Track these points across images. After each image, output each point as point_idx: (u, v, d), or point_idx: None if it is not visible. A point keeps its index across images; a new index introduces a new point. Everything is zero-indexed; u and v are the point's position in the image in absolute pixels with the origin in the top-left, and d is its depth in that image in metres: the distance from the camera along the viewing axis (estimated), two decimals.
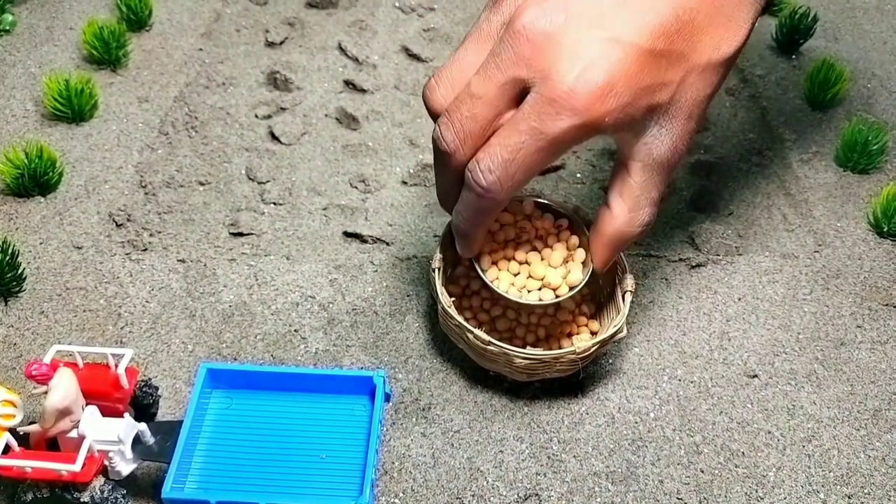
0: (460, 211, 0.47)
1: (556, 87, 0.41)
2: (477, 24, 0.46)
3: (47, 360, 0.46)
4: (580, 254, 0.52)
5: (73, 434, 0.46)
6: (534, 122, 0.41)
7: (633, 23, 0.41)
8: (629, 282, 0.54)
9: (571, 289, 0.51)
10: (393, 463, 0.51)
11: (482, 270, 0.52)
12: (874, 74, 0.81)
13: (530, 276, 0.52)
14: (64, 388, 0.44)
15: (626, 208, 0.47)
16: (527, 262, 0.53)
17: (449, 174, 0.46)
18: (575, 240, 0.53)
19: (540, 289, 0.52)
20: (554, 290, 0.51)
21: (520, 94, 0.43)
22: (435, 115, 0.47)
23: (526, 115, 0.42)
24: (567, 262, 0.53)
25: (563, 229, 0.54)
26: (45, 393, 0.44)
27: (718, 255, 0.64)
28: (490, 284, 0.51)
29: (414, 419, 0.53)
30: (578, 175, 0.71)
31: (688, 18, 0.42)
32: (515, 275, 0.52)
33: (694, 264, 0.64)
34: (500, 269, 0.53)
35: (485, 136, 0.44)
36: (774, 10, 0.88)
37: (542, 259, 0.53)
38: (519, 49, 0.42)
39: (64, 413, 0.45)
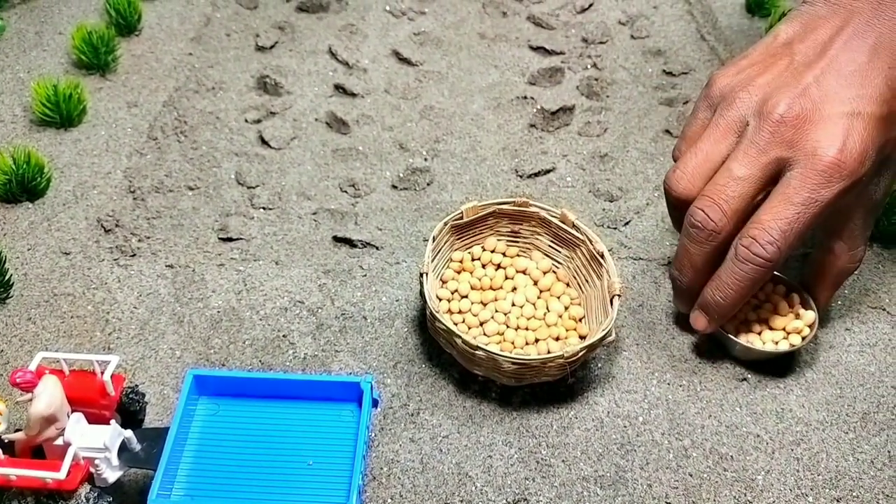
0: (726, 286, 0.52)
1: (825, 160, 0.48)
2: (715, 121, 0.53)
3: (32, 367, 0.46)
4: (795, 298, 0.58)
5: (59, 441, 0.46)
6: (807, 192, 0.49)
7: (862, 97, 0.49)
8: (617, 286, 0.54)
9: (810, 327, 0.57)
10: (381, 468, 0.51)
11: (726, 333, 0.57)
12: None
13: (772, 329, 0.57)
14: (49, 396, 0.44)
15: (847, 248, 0.55)
16: (763, 320, 0.58)
17: (709, 252, 0.53)
18: (781, 287, 0.59)
19: (786, 337, 0.57)
20: (798, 333, 0.57)
21: (777, 173, 0.50)
22: (679, 202, 0.54)
23: (798, 188, 0.49)
24: (793, 307, 0.58)
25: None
26: (31, 400, 0.44)
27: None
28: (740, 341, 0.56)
29: (402, 424, 0.53)
30: (568, 179, 0.71)
31: (893, 85, 0.50)
32: (759, 333, 0.57)
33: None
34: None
35: (747, 214, 0.51)
36: (764, 12, 0.89)
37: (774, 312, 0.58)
38: (780, 133, 0.50)
39: (49, 420, 0.45)
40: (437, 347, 0.57)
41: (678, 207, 0.54)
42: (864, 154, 0.49)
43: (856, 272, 0.63)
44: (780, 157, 0.50)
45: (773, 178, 0.51)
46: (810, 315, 0.57)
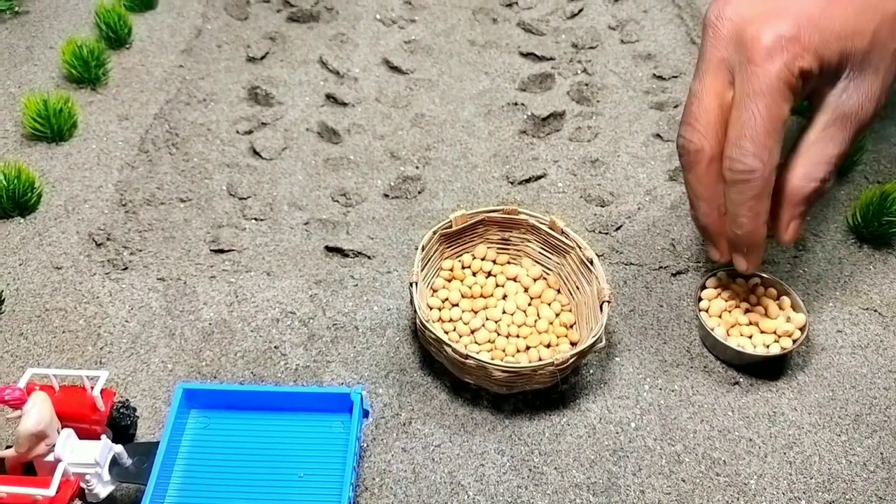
0: (738, 214, 0.50)
1: (755, 49, 0.46)
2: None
3: (22, 383, 0.46)
4: (786, 301, 0.58)
5: (50, 458, 0.46)
6: (748, 88, 0.46)
7: (808, 2, 0.46)
8: (607, 292, 0.54)
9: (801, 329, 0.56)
10: (374, 479, 0.51)
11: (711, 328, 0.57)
12: None
13: (763, 332, 0.57)
14: (38, 413, 0.44)
15: (799, 162, 0.50)
16: (755, 323, 0.58)
17: (704, 176, 0.51)
18: (772, 290, 0.59)
19: (777, 340, 0.57)
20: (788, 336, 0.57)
21: (731, 76, 0.48)
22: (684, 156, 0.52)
23: (741, 88, 0.47)
24: (784, 310, 0.58)
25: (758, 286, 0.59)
26: (20, 417, 0.44)
27: (699, 262, 0.64)
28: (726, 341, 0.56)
29: (394, 434, 0.53)
30: (560, 184, 0.71)
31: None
32: (750, 337, 0.57)
33: (675, 272, 0.64)
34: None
35: (722, 125, 0.49)
36: None
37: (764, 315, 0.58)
38: (718, 34, 0.48)
39: (39, 437, 0.45)
40: (428, 356, 0.57)
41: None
42: (796, 28, 0.46)
43: (845, 274, 0.63)
44: (723, 57, 0.48)
45: (730, 81, 0.49)
46: (801, 318, 0.57)
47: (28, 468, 0.47)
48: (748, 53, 0.47)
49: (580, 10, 0.91)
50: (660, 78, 0.82)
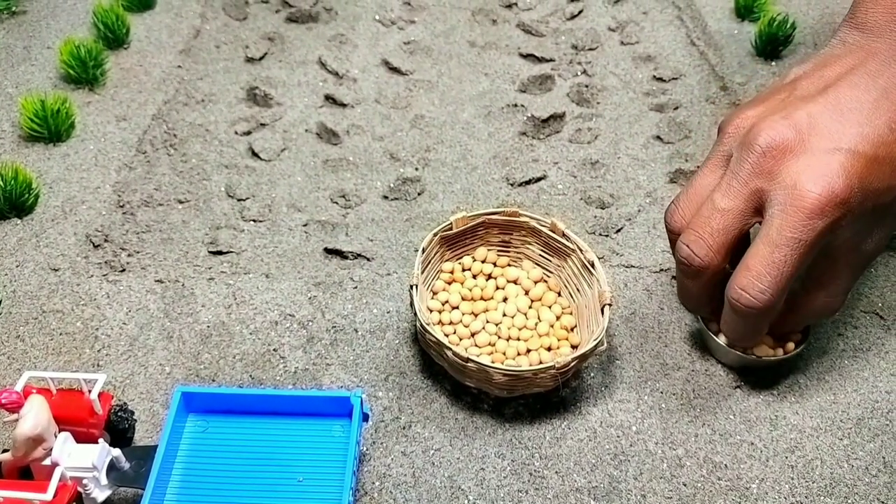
0: (735, 330, 0.51)
1: (807, 197, 0.45)
2: (709, 156, 0.52)
3: (19, 387, 0.45)
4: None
5: (47, 462, 0.45)
6: (789, 233, 0.46)
7: (857, 135, 0.47)
8: (608, 295, 0.54)
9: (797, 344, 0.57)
10: (373, 483, 0.50)
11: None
12: None
13: (766, 336, 0.56)
14: (35, 416, 0.44)
15: (824, 294, 0.52)
16: None
17: (703, 285, 0.52)
18: None
19: (781, 345, 0.57)
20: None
21: (761, 205, 0.48)
22: (675, 234, 0.52)
23: (781, 228, 0.46)
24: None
25: None
26: (17, 421, 0.44)
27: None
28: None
29: (394, 438, 0.53)
30: (560, 186, 0.71)
31: None
32: None
33: (675, 275, 0.63)
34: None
35: (734, 246, 0.50)
36: (753, 17, 0.89)
37: None
38: (759, 163, 0.47)
39: (36, 441, 0.44)
40: (428, 359, 0.57)
41: (674, 241, 0.53)
42: (848, 191, 0.45)
43: None
44: (761, 188, 0.48)
45: (757, 210, 0.49)
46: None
47: (25, 472, 0.46)
48: (794, 199, 0.46)
49: (580, 12, 0.91)
50: (660, 80, 0.82)
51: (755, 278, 0.47)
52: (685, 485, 0.51)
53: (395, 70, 0.83)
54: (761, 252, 0.47)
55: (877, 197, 0.47)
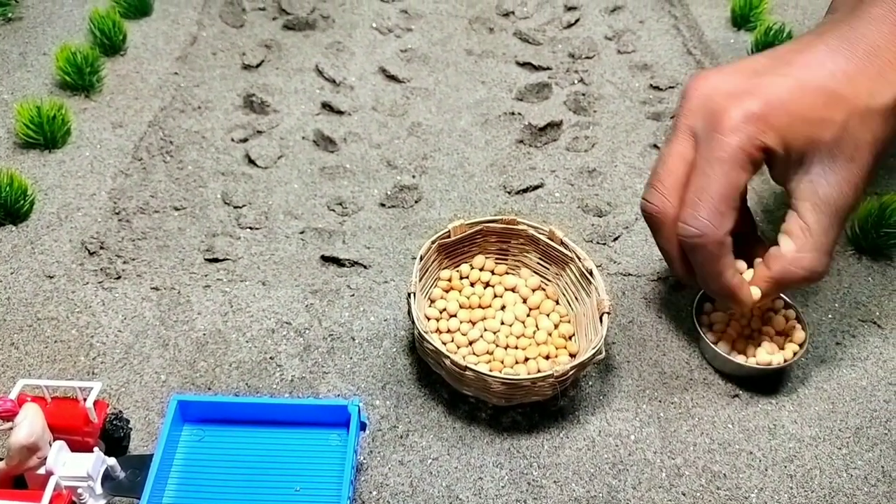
0: (701, 276, 0.51)
1: (723, 120, 0.48)
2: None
3: (13, 395, 0.45)
4: (786, 313, 0.58)
5: (41, 471, 0.45)
6: (709, 154, 0.48)
7: (790, 67, 0.49)
8: (606, 303, 0.54)
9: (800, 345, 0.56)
10: (371, 492, 0.50)
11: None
12: None
13: (763, 345, 0.56)
14: (29, 425, 0.43)
15: (793, 248, 0.51)
16: (755, 336, 0.57)
17: (669, 238, 0.52)
18: (779, 302, 0.58)
19: (780, 351, 0.56)
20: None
21: (697, 144, 0.50)
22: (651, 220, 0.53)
23: (703, 154, 0.49)
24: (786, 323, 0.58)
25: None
26: (11, 429, 0.43)
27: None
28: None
29: (392, 447, 0.52)
30: (557, 194, 0.71)
31: (846, 69, 0.49)
32: (749, 349, 0.56)
33: (673, 283, 0.63)
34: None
35: (684, 188, 0.50)
36: (749, 26, 0.89)
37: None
38: (689, 105, 0.50)
39: (31, 450, 0.44)
40: (426, 368, 0.56)
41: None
42: (766, 108, 0.48)
43: (844, 285, 0.63)
44: (691, 125, 0.50)
45: (695, 148, 0.50)
46: (801, 330, 0.56)
47: (19, 481, 0.46)
48: (715, 124, 0.49)
49: (577, 21, 0.91)
50: (656, 88, 0.82)
51: (692, 207, 0.49)
52: (684, 494, 0.51)
53: (393, 78, 0.83)
54: (693, 182, 0.49)
55: (809, 125, 0.48)
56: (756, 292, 0.52)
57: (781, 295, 0.58)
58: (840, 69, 0.49)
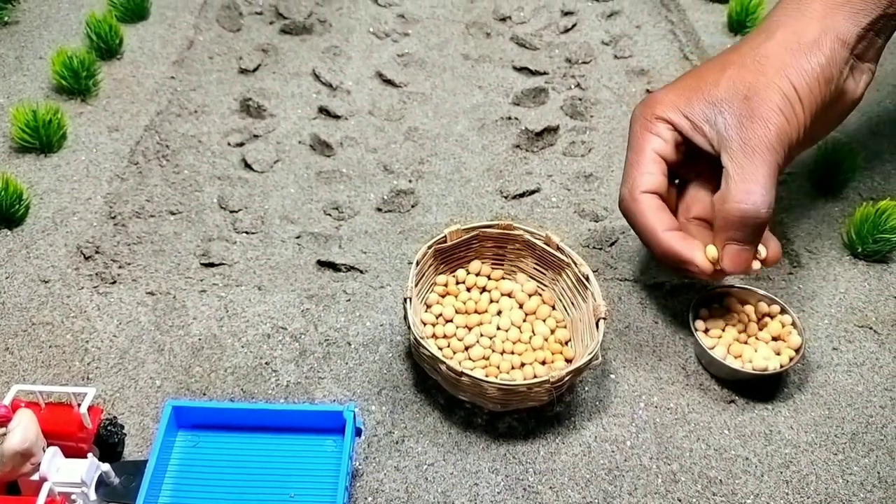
0: (643, 243, 0.56)
1: (636, 106, 0.57)
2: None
3: (7, 400, 0.45)
4: (783, 319, 0.58)
5: (35, 477, 0.45)
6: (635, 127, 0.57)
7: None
8: (603, 308, 0.54)
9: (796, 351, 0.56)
10: (366, 498, 0.50)
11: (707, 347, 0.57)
12: None
13: (759, 350, 0.56)
14: (23, 431, 0.43)
15: (724, 190, 0.52)
16: (751, 341, 0.58)
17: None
18: (776, 307, 0.59)
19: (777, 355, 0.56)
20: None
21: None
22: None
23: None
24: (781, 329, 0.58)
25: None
26: (4, 435, 0.43)
27: (694, 279, 0.64)
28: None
29: (387, 453, 0.52)
30: (553, 199, 0.71)
31: (736, 45, 0.56)
32: (744, 355, 0.56)
33: (670, 288, 0.63)
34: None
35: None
36: (745, 31, 0.89)
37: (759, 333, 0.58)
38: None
39: (24, 456, 0.44)
40: (422, 373, 0.56)
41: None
42: (660, 100, 0.55)
43: (840, 291, 0.63)
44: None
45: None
46: (797, 336, 0.56)
47: (12, 488, 0.46)
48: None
49: (573, 25, 0.91)
50: None
51: (622, 180, 0.56)
52: (680, 500, 0.51)
53: (389, 82, 0.82)
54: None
55: (702, 91, 0.54)
56: (712, 251, 0.53)
57: (777, 300, 0.58)
58: (731, 47, 0.56)
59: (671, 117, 0.54)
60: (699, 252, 0.53)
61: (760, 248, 0.54)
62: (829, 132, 0.59)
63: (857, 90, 0.55)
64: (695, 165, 0.56)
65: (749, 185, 0.51)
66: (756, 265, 0.54)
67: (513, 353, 0.56)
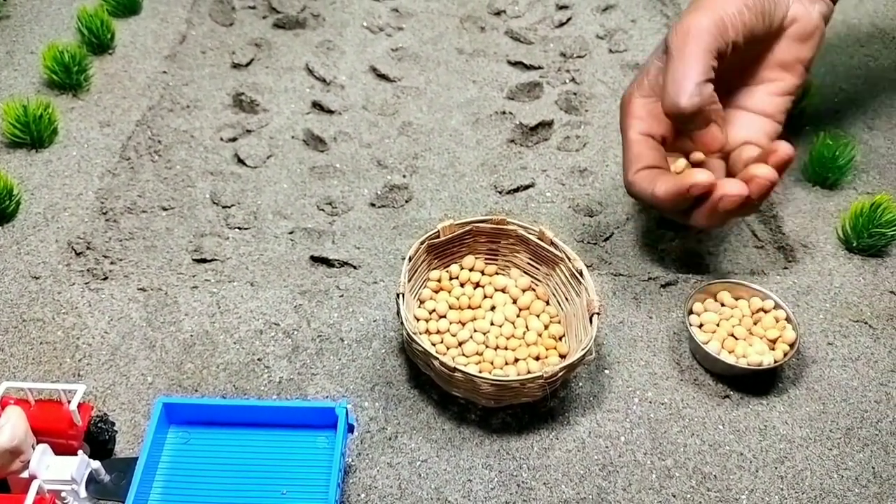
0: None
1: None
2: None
3: None
4: (776, 314, 0.58)
5: (24, 475, 0.44)
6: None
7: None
8: (597, 304, 0.53)
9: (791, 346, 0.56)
10: (359, 495, 0.50)
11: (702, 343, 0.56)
12: (841, 89, 0.81)
13: (753, 345, 0.56)
14: (12, 428, 0.43)
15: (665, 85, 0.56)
16: (745, 336, 0.57)
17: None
18: (769, 302, 0.58)
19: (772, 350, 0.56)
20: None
21: None
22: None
23: None
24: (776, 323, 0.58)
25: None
26: None
27: (688, 273, 0.64)
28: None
29: (380, 449, 0.52)
30: (548, 194, 0.70)
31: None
32: (739, 350, 0.56)
33: (664, 283, 0.63)
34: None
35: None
36: None
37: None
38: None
39: (13, 453, 0.43)
40: (415, 369, 0.56)
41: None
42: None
43: (835, 285, 0.63)
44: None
45: None
46: (792, 331, 0.56)
47: (1, 485, 0.45)
48: None
49: (568, 20, 0.91)
50: None
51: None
52: (674, 496, 0.50)
53: (383, 77, 0.82)
54: None
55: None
56: (681, 162, 0.59)
57: (771, 295, 0.58)
58: None
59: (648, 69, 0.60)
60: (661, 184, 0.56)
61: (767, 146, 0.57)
62: (802, 67, 0.61)
63: (812, 16, 0.59)
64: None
65: (671, 86, 0.55)
66: (763, 169, 0.55)
67: (506, 348, 0.56)
